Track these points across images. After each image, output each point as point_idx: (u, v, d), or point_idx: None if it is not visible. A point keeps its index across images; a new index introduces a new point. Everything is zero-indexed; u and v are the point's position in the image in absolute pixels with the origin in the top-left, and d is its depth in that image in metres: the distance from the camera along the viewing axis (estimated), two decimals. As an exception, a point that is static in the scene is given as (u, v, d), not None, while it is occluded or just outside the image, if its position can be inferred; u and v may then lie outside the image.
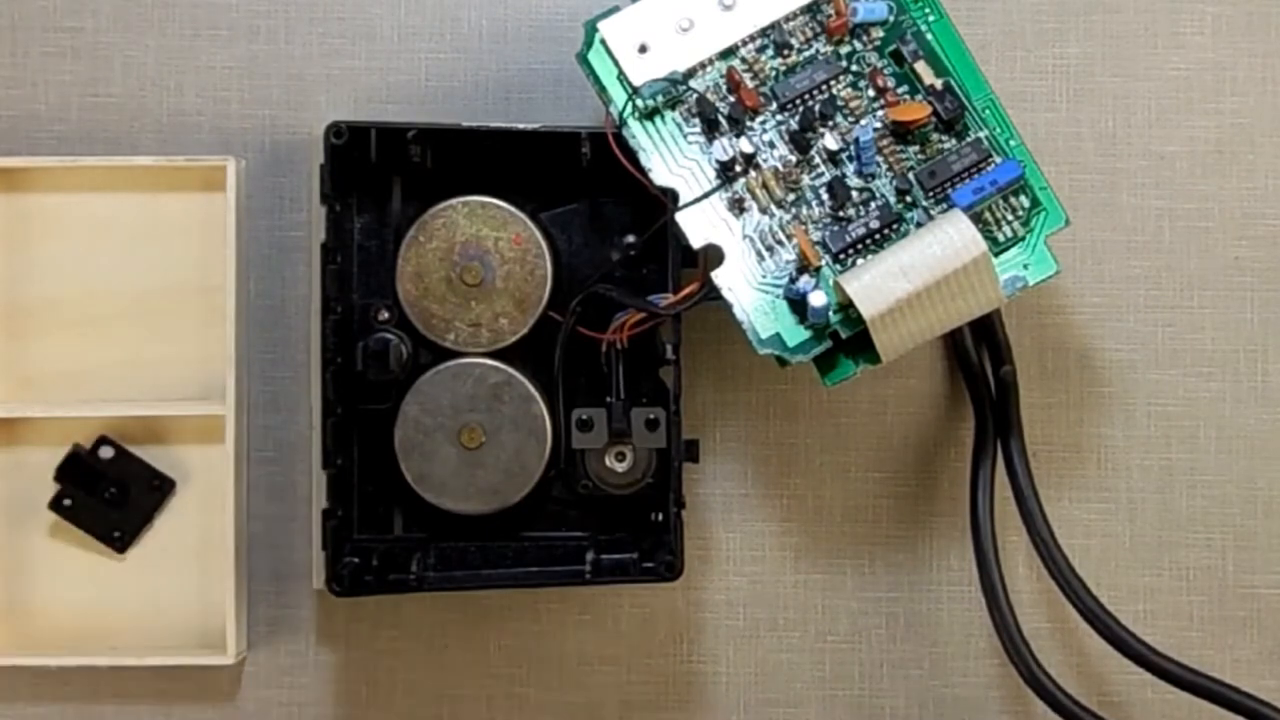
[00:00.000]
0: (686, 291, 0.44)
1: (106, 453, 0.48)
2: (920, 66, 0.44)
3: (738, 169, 0.43)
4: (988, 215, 0.43)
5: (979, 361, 0.48)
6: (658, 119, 0.44)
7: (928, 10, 0.44)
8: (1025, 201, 0.44)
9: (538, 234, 0.46)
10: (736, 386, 0.49)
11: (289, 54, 0.49)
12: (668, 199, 0.43)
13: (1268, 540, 0.49)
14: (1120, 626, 0.46)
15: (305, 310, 0.48)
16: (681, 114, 0.44)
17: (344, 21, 0.49)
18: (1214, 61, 0.50)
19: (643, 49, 0.44)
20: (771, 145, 0.44)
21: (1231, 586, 0.49)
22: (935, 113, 0.43)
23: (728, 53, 0.44)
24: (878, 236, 0.43)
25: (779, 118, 0.44)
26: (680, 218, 0.43)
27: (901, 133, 0.44)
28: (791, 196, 0.43)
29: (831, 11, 0.44)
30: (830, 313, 0.43)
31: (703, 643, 0.49)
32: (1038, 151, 0.44)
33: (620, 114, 0.43)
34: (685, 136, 0.44)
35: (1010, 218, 0.44)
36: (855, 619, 0.49)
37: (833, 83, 0.44)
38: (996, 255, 0.43)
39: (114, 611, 0.48)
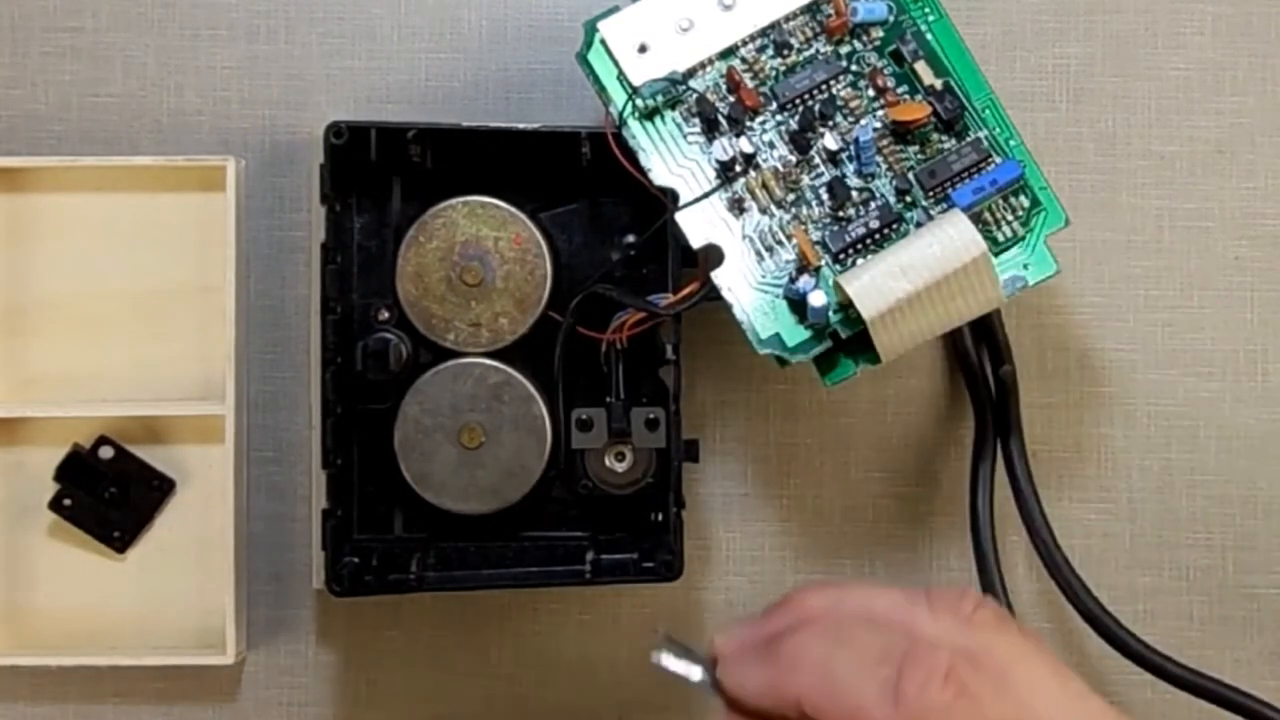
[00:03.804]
0: (686, 291, 0.44)
1: (106, 453, 0.48)
2: (920, 66, 0.44)
3: (738, 169, 0.43)
4: (988, 215, 0.43)
5: (979, 361, 0.48)
6: (658, 119, 0.44)
7: (928, 10, 0.44)
8: (1025, 201, 0.44)
9: (538, 234, 0.46)
10: (736, 386, 0.49)
11: (289, 54, 0.49)
12: (668, 199, 0.43)
13: (1268, 540, 0.50)
14: (1120, 626, 0.46)
15: (305, 310, 0.48)
16: (681, 114, 0.44)
17: (344, 21, 0.49)
18: (1214, 61, 0.50)
19: (643, 49, 0.44)
20: (771, 145, 0.44)
21: (1231, 586, 0.49)
22: (935, 113, 0.43)
23: (728, 53, 0.44)
24: (878, 236, 0.43)
25: (779, 118, 0.44)
26: (680, 218, 0.43)
27: (901, 133, 0.44)
28: (791, 196, 0.43)
29: (831, 11, 0.44)
30: (830, 313, 0.43)
31: (703, 643, 0.49)
32: (1038, 151, 0.44)
33: (620, 114, 0.43)
34: (685, 136, 0.44)
35: (1010, 218, 0.44)
36: (855, 619, 0.49)
37: (833, 83, 0.44)
38: (996, 255, 0.43)
39: (114, 611, 0.48)
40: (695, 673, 0.36)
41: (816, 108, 0.44)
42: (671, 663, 0.36)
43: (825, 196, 0.43)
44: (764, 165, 0.43)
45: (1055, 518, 0.48)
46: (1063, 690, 0.35)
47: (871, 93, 0.44)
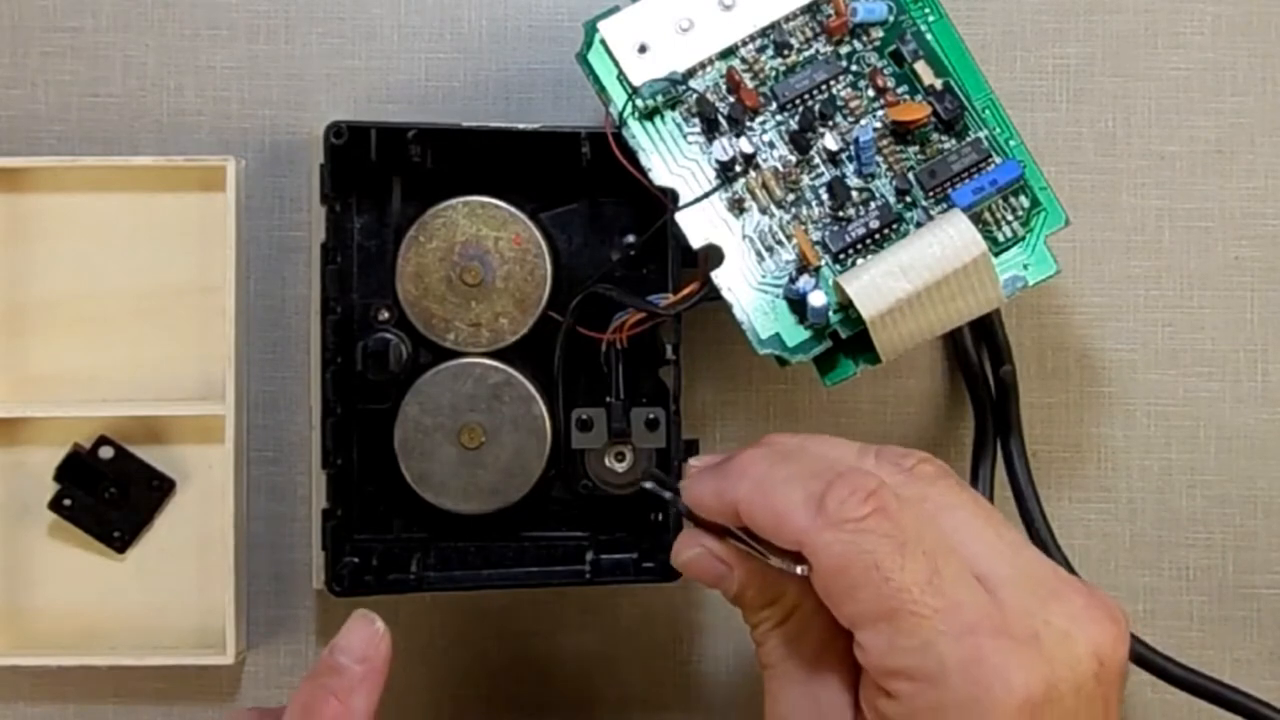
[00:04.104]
0: (686, 291, 0.44)
1: (106, 453, 0.48)
2: (920, 66, 0.44)
3: (738, 169, 0.43)
4: (988, 215, 0.43)
5: (979, 361, 0.48)
6: (658, 119, 0.44)
7: (928, 10, 0.44)
8: (1025, 201, 0.44)
9: (538, 234, 0.46)
10: (736, 386, 0.49)
11: (289, 54, 0.49)
12: (668, 199, 0.43)
13: (1268, 540, 0.50)
14: (1120, 626, 0.46)
15: (305, 310, 0.48)
16: (681, 114, 0.44)
17: (344, 21, 0.49)
18: (1214, 61, 0.50)
19: (643, 49, 0.44)
20: (771, 145, 0.44)
21: (1231, 586, 0.49)
22: (935, 113, 0.43)
23: (728, 53, 0.44)
24: (878, 236, 0.43)
25: (779, 118, 0.44)
26: (680, 218, 0.43)
27: (901, 133, 0.44)
28: (791, 196, 0.43)
29: (831, 11, 0.44)
30: (830, 313, 0.43)
31: (703, 643, 0.49)
32: (1038, 151, 0.44)
33: (620, 114, 0.43)
34: (685, 136, 0.44)
35: (1010, 218, 0.44)
36: (855, 619, 0.49)
37: (833, 83, 0.44)
38: (996, 255, 0.43)
39: (114, 611, 0.48)
40: (670, 495, 0.40)
41: (816, 108, 0.44)
42: (653, 487, 0.41)
43: (825, 196, 0.43)
44: (764, 165, 0.43)
45: (1055, 518, 0.48)
46: (997, 537, 0.36)
47: (871, 93, 0.44)
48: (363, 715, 0.39)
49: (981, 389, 0.48)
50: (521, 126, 0.45)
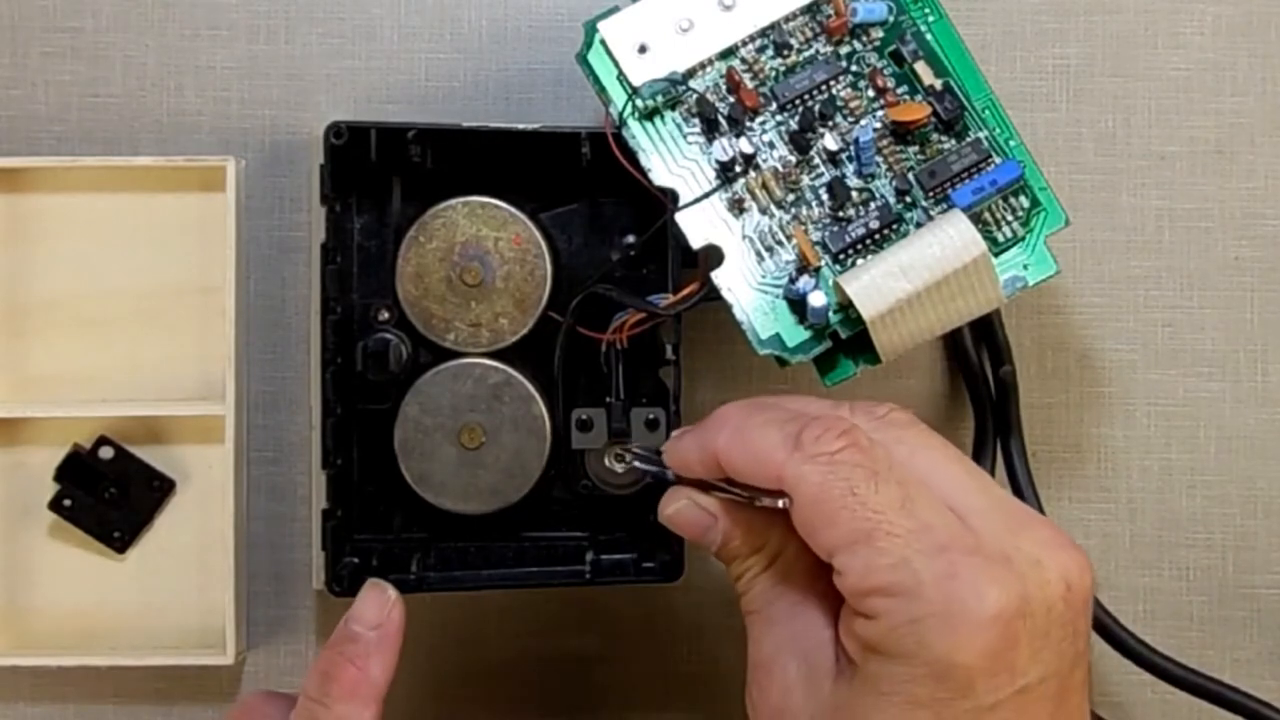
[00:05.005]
0: (686, 291, 0.44)
1: (106, 453, 0.48)
2: (920, 67, 0.44)
3: (737, 169, 0.43)
4: (987, 215, 0.43)
5: (979, 361, 0.48)
6: (657, 119, 0.44)
7: (927, 10, 0.44)
8: (1025, 201, 0.44)
9: (538, 234, 0.46)
10: (736, 386, 0.49)
11: (289, 54, 0.49)
12: (668, 199, 0.43)
13: (1268, 540, 0.50)
14: (1120, 626, 0.47)
15: (305, 310, 0.48)
16: (681, 114, 0.44)
17: (344, 21, 0.49)
18: (1214, 61, 0.50)
19: (642, 49, 0.44)
20: (771, 145, 0.44)
21: (1231, 586, 0.49)
22: (935, 113, 0.43)
23: (728, 53, 0.44)
24: (877, 237, 0.43)
25: (779, 118, 0.44)
26: (680, 218, 0.43)
27: (901, 133, 0.44)
28: (791, 197, 0.43)
29: (831, 12, 0.44)
30: (830, 313, 0.43)
31: (703, 643, 0.49)
32: (1038, 151, 0.44)
33: (620, 114, 0.43)
34: (685, 136, 0.44)
35: (1010, 218, 0.44)
36: (855, 619, 0.49)
37: (832, 83, 0.44)
38: (996, 255, 0.43)
39: (114, 611, 0.48)
40: (656, 468, 0.42)
41: (816, 108, 0.44)
42: (641, 464, 0.43)
43: (825, 197, 0.43)
44: (764, 165, 0.43)
45: (1055, 518, 0.48)
46: (968, 475, 0.37)
47: (871, 93, 0.44)
48: (380, 680, 0.41)
49: (981, 389, 0.48)
50: (521, 126, 0.45)
